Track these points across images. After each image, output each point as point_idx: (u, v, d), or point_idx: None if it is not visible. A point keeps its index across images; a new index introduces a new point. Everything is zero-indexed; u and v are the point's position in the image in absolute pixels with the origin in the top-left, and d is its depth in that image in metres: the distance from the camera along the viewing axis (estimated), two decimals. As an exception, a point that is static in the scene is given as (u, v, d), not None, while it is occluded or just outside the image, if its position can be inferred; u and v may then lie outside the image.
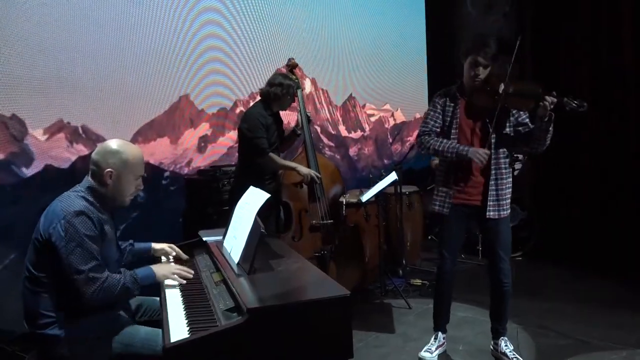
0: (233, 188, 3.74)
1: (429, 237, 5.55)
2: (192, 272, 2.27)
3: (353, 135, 5.85)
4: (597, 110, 5.10)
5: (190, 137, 4.40)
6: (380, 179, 4.08)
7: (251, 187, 2.47)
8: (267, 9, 4.93)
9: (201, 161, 4.46)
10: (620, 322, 3.47)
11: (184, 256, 2.53)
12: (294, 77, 3.80)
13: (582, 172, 5.31)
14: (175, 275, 2.21)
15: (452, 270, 3.02)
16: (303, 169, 3.65)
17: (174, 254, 2.51)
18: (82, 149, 3.72)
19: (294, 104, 3.76)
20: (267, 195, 2.24)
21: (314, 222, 3.76)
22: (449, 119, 2.89)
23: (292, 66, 3.88)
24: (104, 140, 3.54)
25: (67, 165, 3.64)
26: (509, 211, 2.88)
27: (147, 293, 2.30)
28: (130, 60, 3.97)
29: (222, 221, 2.82)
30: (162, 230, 4.01)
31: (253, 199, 2.30)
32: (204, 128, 4.50)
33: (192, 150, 4.41)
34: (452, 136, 2.86)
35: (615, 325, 3.42)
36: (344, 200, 4.02)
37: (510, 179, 2.90)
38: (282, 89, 3.54)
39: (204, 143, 4.49)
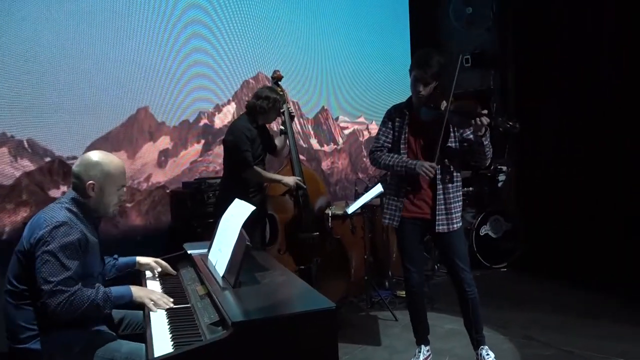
0: (218, 200, 3.73)
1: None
2: (172, 301, 2.14)
3: (325, 148, 5.70)
4: (581, 120, 5.20)
5: (150, 151, 4.15)
6: (366, 191, 4.10)
7: (236, 200, 2.47)
8: (236, 20, 4.76)
9: (161, 176, 4.23)
10: (604, 332, 3.50)
11: (172, 271, 2.51)
12: (280, 90, 3.83)
13: (566, 182, 5.37)
14: (152, 303, 2.09)
15: (419, 283, 3.05)
16: (288, 179, 3.67)
17: (159, 269, 2.48)
18: (27, 165, 3.45)
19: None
20: (252, 208, 2.24)
21: (299, 234, 3.76)
22: (397, 134, 2.96)
23: (277, 78, 3.91)
24: (52, 155, 3.55)
25: (10, 181, 3.38)
26: (460, 224, 2.93)
27: (131, 306, 2.27)
28: (84, 70, 3.74)
29: (207, 234, 2.80)
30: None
31: (238, 212, 2.29)
32: (165, 141, 4.26)
33: (151, 165, 4.15)
34: (401, 151, 2.93)
35: (599, 335, 3.45)
36: (330, 213, 4.03)
37: (460, 193, 2.96)
38: (268, 102, 3.55)
39: (164, 157, 4.25)
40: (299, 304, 1.95)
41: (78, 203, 2.09)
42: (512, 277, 4.85)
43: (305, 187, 3.75)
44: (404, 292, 4.41)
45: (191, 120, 4.45)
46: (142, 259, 2.48)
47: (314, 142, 5.57)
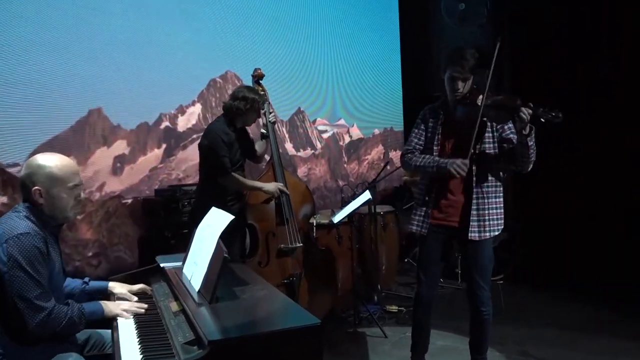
0: (194, 209, 3.72)
1: (406, 260, 5.59)
2: (145, 306, 2.26)
3: (302, 153, 5.63)
4: (581, 122, 5.27)
5: (103, 157, 4.02)
6: (353, 199, 4.11)
7: (213, 208, 2.46)
8: (202, 13, 4.64)
9: (117, 185, 4.11)
10: (601, 347, 3.56)
11: (149, 292, 2.48)
12: (261, 89, 3.83)
13: (566, 187, 5.44)
14: (124, 313, 2.19)
15: (429, 295, 3.05)
16: (269, 186, 3.67)
17: (135, 299, 2.43)
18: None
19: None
20: (230, 217, 2.23)
21: (282, 245, 3.76)
22: (430, 135, 2.97)
23: (258, 77, 3.90)
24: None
25: None
26: (494, 233, 2.91)
27: (98, 324, 2.26)
28: (27, 67, 3.56)
29: (182, 245, 2.78)
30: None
31: (215, 221, 2.28)
32: (121, 146, 4.14)
33: (105, 173, 4.02)
34: (434, 153, 2.94)
35: (596, 350, 3.51)
36: (315, 222, 4.03)
37: (499, 199, 2.94)
38: (246, 103, 3.53)
39: (120, 163, 4.14)
40: (281, 321, 1.94)
41: (34, 212, 2.07)
42: (509, 289, 4.89)
43: (288, 194, 3.74)
44: (394, 307, 4.43)
45: (151, 123, 4.34)
46: (116, 288, 2.43)
47: (289, 147, 5.48)
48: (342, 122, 6.06)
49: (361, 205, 3.96)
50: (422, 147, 3.00)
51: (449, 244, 3.06)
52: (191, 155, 4.57)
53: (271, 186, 3.68)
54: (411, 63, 6.61)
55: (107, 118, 4.06)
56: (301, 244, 3.79)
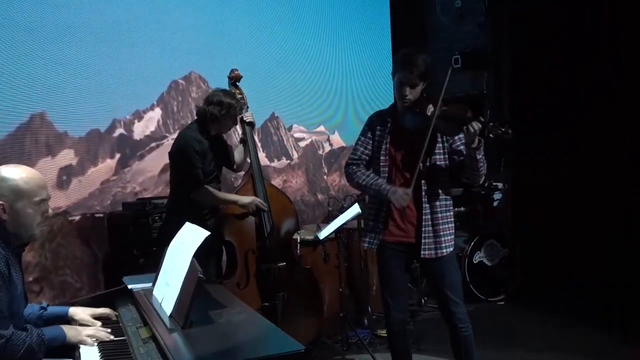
0: (165, 224, 3.70)
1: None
2: (112, 335, 2.22)
3: (276, 163, 5.51)
4: (585, 129, 5.36)
5: (47, 169, 3.91)
6: (341, 212, 4.12)
7: (187, 223, 2.45)
8: (161, 8, 4.57)
9: (63, 200, 4.01)
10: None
11: (113, 317, 2.46)
12: (238, 92, 3.83)
13: (570, 200, 5.50)
14: (88, 339, 2.16)
15: (401, 320, 3.07)
16: (244, 200, 3.66)
17: (99, 324, 2.40)
18: None
19: None
20: (206, 233, 2.22)
21: (262, 265, 3.74)
22: (377, 144, 3.02)
23: (235, 79, 3.89)
24: None
25: None
26: (451, 249, 2.96)
27: (58, 353, 2.23)
28: None
29: (152, 265, 2.77)
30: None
31: (189, 238, 2.28)
32: (67, 156, 4.05)
33: (49, 186, 3.84)
34: (380, 163, 2.98)
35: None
36: (299, 238, 4.03)
37: (451, 213, 3.00)
38: (221, 108, 3.51)
39: (66, 176, 4.04)
40: (262, 347, 1.93)
41: None
42: (510, 311, 4.92)
43: (266, 209, 3.74)
44: (385, 331, 4.43)
45: (102, 130, 4.25)
46: (77, 314, 2.39)
47: (261, 156, 5.21)
48: (321, 128, 5.94)
49: (350, 220, 3.97)
50: (368, 157, 3.05)
51: (411, 262, 3.10)
52: (149, 166, 4.50)
53: (248, 200, 3.67)
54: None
55: (52, 124, 3.96)
56: (284, 263, 3.77)
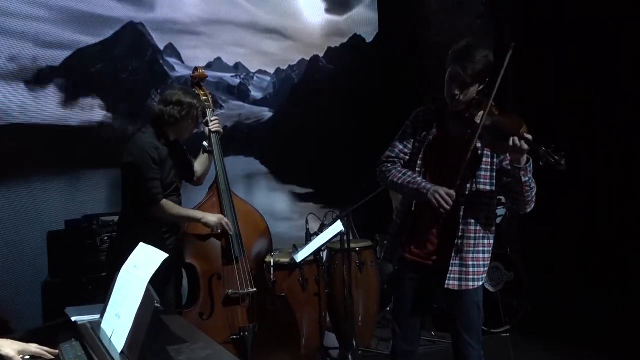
0: (115, 245, 3.68)
1: (388, 309, 5.60)
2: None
3: None
4: (602, 134, 5.41)
5: None
6: (321, 231, 4.12)
7: (141, 244, 2.43)
8: None
9: None
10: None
11: (49, 356, 2.42)
12: (202, 93, 3.83)
13: (584, 216, 5.54)
14: None
15: (408, 352, 3.05)
16: (210, 218, 3.65)
17: (27, 357, 2.36)
18: None
19: None
20: (164, 255, 2.21)
21: (230, 291, 3.75)
22: (418, 145, 2.97)
23: (198, 78, 3.91)
24: None
25: None
26: (478, 284, 2.92)
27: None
28: None
29: (100, 293, 2.74)
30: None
31: (144, 261, 2.26)
32: None
33: None
34: (415, 169, 2.94)
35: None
36: (272, 261, 4.02)
37: (490, 241, 2.95)
38: (181, 109, 3.51)
39: None
40: (229, 390, 1.92)
41: None
42: (517, 343, 4.93)
43: (232, 231, 3.72)
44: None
45: None
46: (3, 348, 2.33)
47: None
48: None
49: (331, 239, 3.97)
50: (406, 157, 3.00)
51: (428, 288, 3.05)
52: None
53: (213, 218, 3.66)
54: (389, 63, 6.69)
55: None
56: (254, 289, 3.78)
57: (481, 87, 2.85)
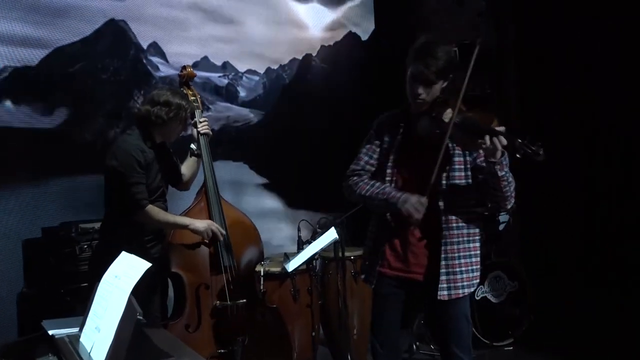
0: (96, 254, 3.67)
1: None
2: None
3: None
4: (609, 136, 5.42)
5: None
6: (314, 239, 4.11)
7: (123, 253, 2.42)
8: None
9: None
10: None
11: None
12: (191, 93, 3.83)
13: (591, 226, 5.56)
14: None
15: None
16: (198, 224, 3.65)
17: None
18: None
19: None
20: (147, 265, 2.20)
21: (217, 302, 3.74)
22: (384, 153, 2.98)
23: (187, 77, 3.91)
24: None
25: None
26: (469, 290, 2.92)
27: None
28: None
29: (80, 305, 2.73)
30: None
31: (126, 271, 2.25)
32: None
33: None
34: (386, 177, 2.94)
35: None
36: (262, 270, 4.01)
37: (474, 245, 2.95)
38: (169, 109, 3.51)
39: None
40: (217, 407, 1.91)
41: None
42: (521, 357, 4.94)
43: (223, 238, 3.72)
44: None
45: None
46: None
47: None
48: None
49: (325, 248, 3.96)
50: (373, 169, 3.00)
51: (412, 304, 3.06)
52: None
53: (202, 224, 3.65)
54: (386, 62, 6.69)
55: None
56: (244, 300, 3.78)
57: (445, 84, 2.87)
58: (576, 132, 5.60)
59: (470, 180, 2.89)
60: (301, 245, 4.56)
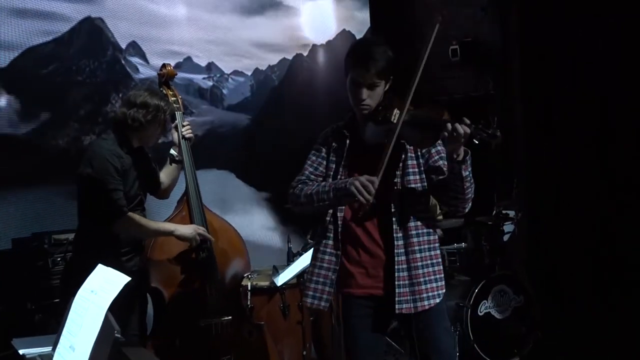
0: (70, 267, 3.66)
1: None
2: None
3: None
4: (620, 139, 5.45)
5: None
6: (305, 251, 4.11)
7: (100, 266, 2.42)
8: None
9: None
10: None
11: None
12: (171, 93, 3.83)
13: (600, 236, 5.57)
14: None
15: None
16: (184, 230, 3.64)
17: None
18: None
19: None
20: (125, 279, 2.19)
21: (200, 320, 3.73)
22: (333, 164, 2.99)
23: (166, 76, 3.90)
24: None
25: None
26: (437, 301, 2.90)
27: None
28: None
29: (52, 322, 2.72)
30: None
31: (102, 285, 2.25)
32: None
33: None
34: None
35: None
36: (249, 284, 4.01)
37: (437, 252, 2.95)
38: (147, 112, 3.50)
39: None
40: None
41: None
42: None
43: (212, 241, 3.72)
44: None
45: None
46: None
47: None
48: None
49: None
50: (319, 179, 3.00)
51: (388, 322, 3.06)
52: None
53: (188, 229, 3.64)
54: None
55: None
56: (229, 317, 3.77)
57: (387, 85, 2.92)
58: (584, 135, 5.62)
59: (426, 184, 2.92)
60: (291, 257, 4.57)
